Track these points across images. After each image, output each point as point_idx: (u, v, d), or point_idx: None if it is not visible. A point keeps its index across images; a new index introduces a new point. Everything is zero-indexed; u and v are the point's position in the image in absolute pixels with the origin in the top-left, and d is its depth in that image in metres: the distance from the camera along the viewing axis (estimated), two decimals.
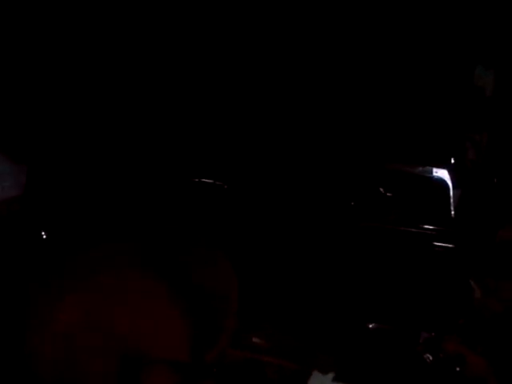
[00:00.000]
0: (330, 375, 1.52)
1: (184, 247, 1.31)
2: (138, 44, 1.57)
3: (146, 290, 1.20)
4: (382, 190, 1.95)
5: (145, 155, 1.69)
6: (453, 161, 2.06)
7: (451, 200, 2.04)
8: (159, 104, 1.70)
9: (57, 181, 1.49)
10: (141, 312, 1.17)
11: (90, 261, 1.25)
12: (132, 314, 1.17)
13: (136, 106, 1.71)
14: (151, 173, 1.67)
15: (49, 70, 1.51)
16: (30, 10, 1.38)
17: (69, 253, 1.27)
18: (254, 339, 1.48)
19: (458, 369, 1.61)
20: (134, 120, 1.70)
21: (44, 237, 1.35)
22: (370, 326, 1.69)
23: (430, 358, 1.61)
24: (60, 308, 1.15)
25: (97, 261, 1.25)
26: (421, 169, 2.01)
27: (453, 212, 2.00)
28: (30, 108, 1.52)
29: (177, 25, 1.57)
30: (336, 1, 1.64)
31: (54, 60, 1.51)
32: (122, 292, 1.20)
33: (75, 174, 1.54)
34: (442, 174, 2.02)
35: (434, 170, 2.04)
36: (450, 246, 1.86)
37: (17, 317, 1.14)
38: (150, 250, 1.28)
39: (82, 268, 1.24)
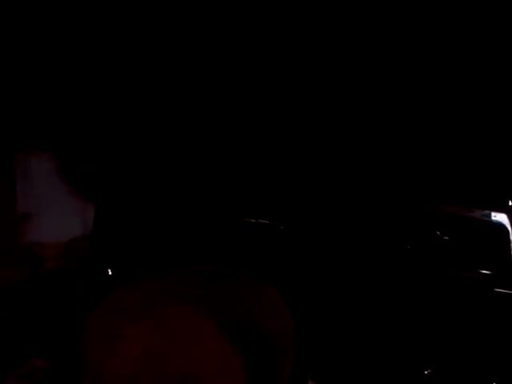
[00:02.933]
0: None
1: (237, 286, 1.32)
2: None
3: (200, 326, 1.22)
4: (438, 233, 1.93)
5: (204, 197, 1.73)
6: (511, 203, 2.02)
7: (511, 244, 2.00)
8: (221, 143, 1.74)
9: (124, 219, 1.54)
10: (196, 348, 1.19)
11: (148, 298, 1.29)
12: (188, 349, 1.19)
13: (195, 144, 1.76)
14: (210, 215, 1.71)
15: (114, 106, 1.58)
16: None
17: (130, 289, 1.30)
18: (310, 382, 1.47)
19: None
20: (194, 161, 1.75)
21: (110, 274, 1.40)
22: (426, 372, 1.66)
23: None
24: (117, 345, 1.18)
25: (155, 298, 1.29)
26: (479, 212, 1.98)
27: None
28: (96, 146, 1.59)
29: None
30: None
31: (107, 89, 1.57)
32: (179, 328, 1.22)
33: (141, 212, 1.59)
34: (501, 217, 1.99)
35: (493, 213, 2.01)
36: (510, 292, 1.81)
37: (76, 352, 1.17)
38: (203, 288, 1.31)
39: (141, 304, 1.27)
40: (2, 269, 1.39)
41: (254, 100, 1.73)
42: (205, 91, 1.70)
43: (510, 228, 2.03)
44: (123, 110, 1.63)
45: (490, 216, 2.06)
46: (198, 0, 1.59)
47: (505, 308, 1.81)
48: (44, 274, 1.40)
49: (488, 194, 2.06)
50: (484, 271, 1.89)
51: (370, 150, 1.90)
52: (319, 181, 1.83)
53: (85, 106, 1.59)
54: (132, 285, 1.32)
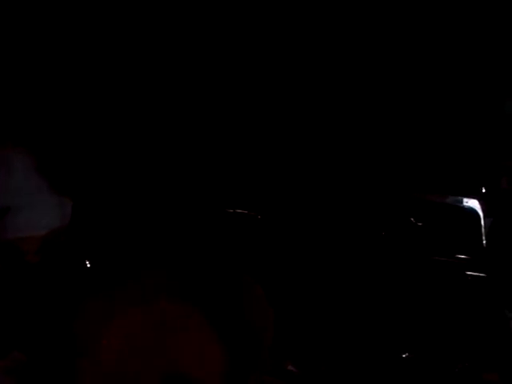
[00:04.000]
0: None
1: (218, 276, 1.34)
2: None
3: (182, 316, 1.24)
4: (412, 219, 1.97)
5: (183, 186, 1.75)
6: (484, 190, 2.07)
7: (482, 229, 2.05)
8: (193, 135, 1.76)
9: (100, 212, 1.55)
10: (179, 338, 1.21)
11: (134, 289, 1.30)
12: (172, 339, 1.21)
13: (171, 139, 1.77)
14: (188, 204, 1.73)
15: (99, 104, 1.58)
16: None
17: (111, 282, 1.32)
18: (289, 367, 1.50)
19: None
20: (171, 151, 1.77)
21: (88, 266, 1.41)
22: (404, 355, 1.70)
23: None
24: (103, 334, 1.19)
25: (141, 289, 1.30)
26: (452, 198, 2.03)
27: (484, 241, 2.01)
28: (74, 139, 1.59)
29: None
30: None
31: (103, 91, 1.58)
32: (164, 318, 1.24)
33: (117, 205, 1.60)
34: (472, 203, 2.03)
35: (465, 199, 2.05)
36: (481, 275, 1.86)
37: (64, 343, 1.18)
38: (188, 279, 1.33)
39: (127, 296, 1.28)
40: None
41: (234, 93, 1.75)
42: (187, 83, 1.72)
43: (481, 213, 2.09)
44: (100, 102, 1.64)
45: (462, 202, 2.11)
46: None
47: (477, 290, 1.86)
48: (24, 268, 1.40)
49: (461, 181, 2.12)
50: (457, 255, 1.94)
51: (346, 140, 1.94)
52: (296, 171, 1.86)
53: (62, 100, 1.59)
54: (119, 277, 1.34)
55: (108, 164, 1.55)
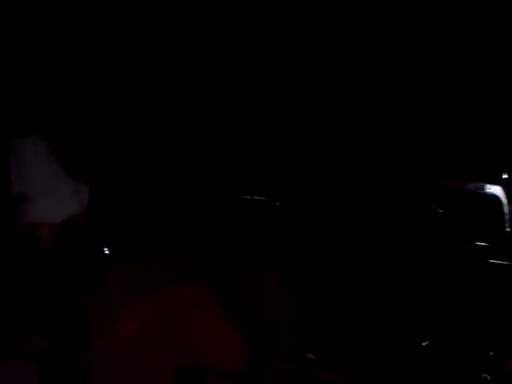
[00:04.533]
0: None
1: (237, 264, 1.33)
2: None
3: (200, 303, 1.23)
4: (433, 206, 1.94)
5: (199, 173, 1.73)
6: (506, 176, 2.03)
7: (505, 216, 2.01)
8: (215, 123, 1.74)
9: (119, 198, 1.55)
10: (197, 325, 1.20)
11: (146, 276, 1.29)
12: (188, 326, 1.20)
13: (191, 127, 1.76)
14: (206, 190, 1.71)
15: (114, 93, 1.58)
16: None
17: (127, 268, 1.31)
18: (309, 355, 1.49)
19: None
20: (189, 139, 1.75)
21: (107, 253, 1.40)
22: (424, 344, 1.67)
23: (488, 378, 1.57)
24: (118, 320, 1.19)
25: (153, 276, 1.29)
26: (473, 185, 1.99)
27: (507, 228, 1.97)
28: (88, 124, 1.58)
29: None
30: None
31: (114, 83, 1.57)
32: (178, 305, 1.23)
33: (136, 190, 1.59)
34: (495, 189, 1.99)
35: (487, 186, 2.01)
36: (505, 263, 1.82)
37: (76, 330, 1.18)
38: (203, 265, 1.31)
39: (139, 282, 1.28)
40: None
41: (246, 83, 1.73)
42: (190, 73, 1.70)
43: (504, 200, 2.04)
44: (115, 92, 1.63)
45: (483, 188, 2.06)
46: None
47: (499, 279, 1.83)
48: (41, 255, 1.40)
49: (482, 167, 2.07)
50: (479, 243, 1.90)
51: (363, 126, 1.90)
52: (313, 157, 1.84)
53: (77, 89, 1.58)
54: (131, 263, 1.33)
55: (125, 147, 1.55)
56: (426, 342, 1.70)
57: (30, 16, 1.44)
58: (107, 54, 1.55)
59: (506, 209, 2.00)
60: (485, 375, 1.58)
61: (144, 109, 1.63)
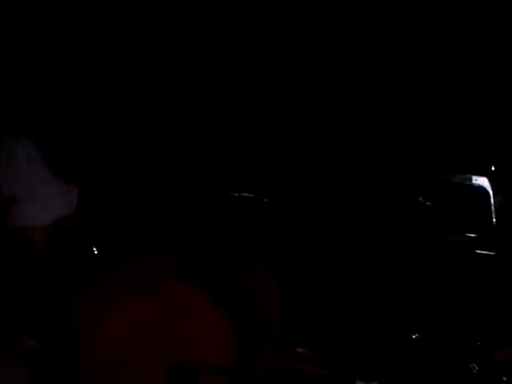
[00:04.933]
0: None
1: (226, 259, 1.35)
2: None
3: (189, 299, 1.24)
4: (421, 199, 1.96)
5: (188, 172, 1.74)
6: (493, 168, 2.04)
7: (492, 207, 2.03)
8: (201, 123, 1.75)
9: (106, 199, 1.56)
10: (186, 321, 1.21)
11: (136, 275, 1.30)
12: (178, 323, 1.21)
13: (178, 128, 1.77)
14: (194, 188, 1.73)
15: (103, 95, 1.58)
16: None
17: (118, 267, 1.32)
18: (298, 349, 1.50)
19: (505, 378, 1.59)
20: (176, 140, 1.76)
21: (95, 252, 1.41)
22: (414, 335, 1.69)
23: (477, 368, 1.59)
24: (110, 319, 1.20)
25: (143, 274, 1.30)
26: (461, 177, 2.01)
27: (494, 219, 1.99)
28: (79, 129, 1.59)
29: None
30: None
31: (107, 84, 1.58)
32: (168, 303, 1.24)
33: (124, 191, 1.60)
34: (482, 181, 2.01)
35: (474, 177, 2.03)
36: (492, 253, 1.85)
37: (68, 330, 1.19)
38: (192, 261, 1.33)
39: (129, 281, 1.28)
40: None
41: (239, 82, 1.74)
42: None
43: (490, 191, 2.07)
44: (102, 93, 1.64)
45: (471, 180, 2.09)
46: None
47: (487, 269, 1.85)
48: (32, 257, 1.41)
49: (470, 159, 2.09)
50: (466, 234, 1.93)
51: (352, 122, 1.92)
52: (302, 153, 1.85)
53: (65, 91, 1.59)
54: (120, 263, 1.34)
55: (113, 149, 1.55)
56: (416, 335, 1.72)
57: (23, 19, 1.45)
58: (98, 56, 1.56)
59: (493, 200, 2.02)
60: (473, 365, 1.60)
61: (132, 111, 1.65)
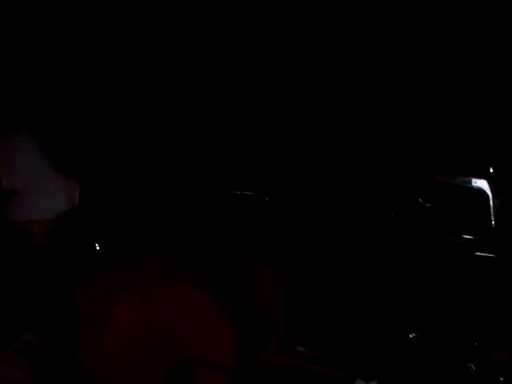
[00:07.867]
0: (373, 383, 1.53)
1: (232, 260, 1.35)
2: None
3: (191, 297, 1.24)
4: (421, 200, 1.96)
5: (190, 169, 1.74)
6: (492, 170, 2.05)
7: (491, 210, 2.04)
8: (206, 121, 1.75)
9: (108, 194, 1.55)
10: (188, 318, 1.21)
11: (140, 271, 1.30)
12: (179, 319, 1.21)
13: (182, 126, 1.77)
14: (196, 187, 1.73)
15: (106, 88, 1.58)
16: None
17: (121, 262, 1.32)
18: (299, 347, 1.51)
19: (501, 379, 1.60)
20: (180, 137, 1.76)
21: (97, 248, 1.42)
22: (411, 335, 1.70)
23: (474, 368, 1.60)
24: (113, 313, 1.20)
25: (146, 271, 1.30)
26: (460, 179, 2.02)
27: (493, 221, 2.00)
28: (80, 125, 1.59)
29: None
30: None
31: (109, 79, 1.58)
32: (171, 300, 1.24)
33: (126, 188, 1.60)
34: (481, 183, 2.02)
35: (474, 180, 2.04)
36: (491, 255, 1.85)
37: (69, 322, 1.19)
38: (194, 260, 1.33)
39: (132, 277, 1.29)
40: None
41: (240, 81, 1.74)
42: (183, 71, 1.71)
43: (490, 194, 2.07)
44: (103, 88, 1.64)
45: (470, 182, 2.09)
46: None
47: (486, 271, 1.85)
48: (33, 250, 1.41)
49: (470, 162, 2.09)
50: (466, 236, 1.93)
51: (351, 123, 1.92)
52: (303, 153, 1.85)
53: (67, 87, 1.59)
54: (124, 258, 1.34)
55: (114, 142, 1.55)
56: (413, 334, 1.72)
57: (22, 17, 1.45)
58: (97, 53, 1.56)
59: (492, 202, 2.02)
60: (470, 365, 1.61)
61: (131, 108, 1.64)
